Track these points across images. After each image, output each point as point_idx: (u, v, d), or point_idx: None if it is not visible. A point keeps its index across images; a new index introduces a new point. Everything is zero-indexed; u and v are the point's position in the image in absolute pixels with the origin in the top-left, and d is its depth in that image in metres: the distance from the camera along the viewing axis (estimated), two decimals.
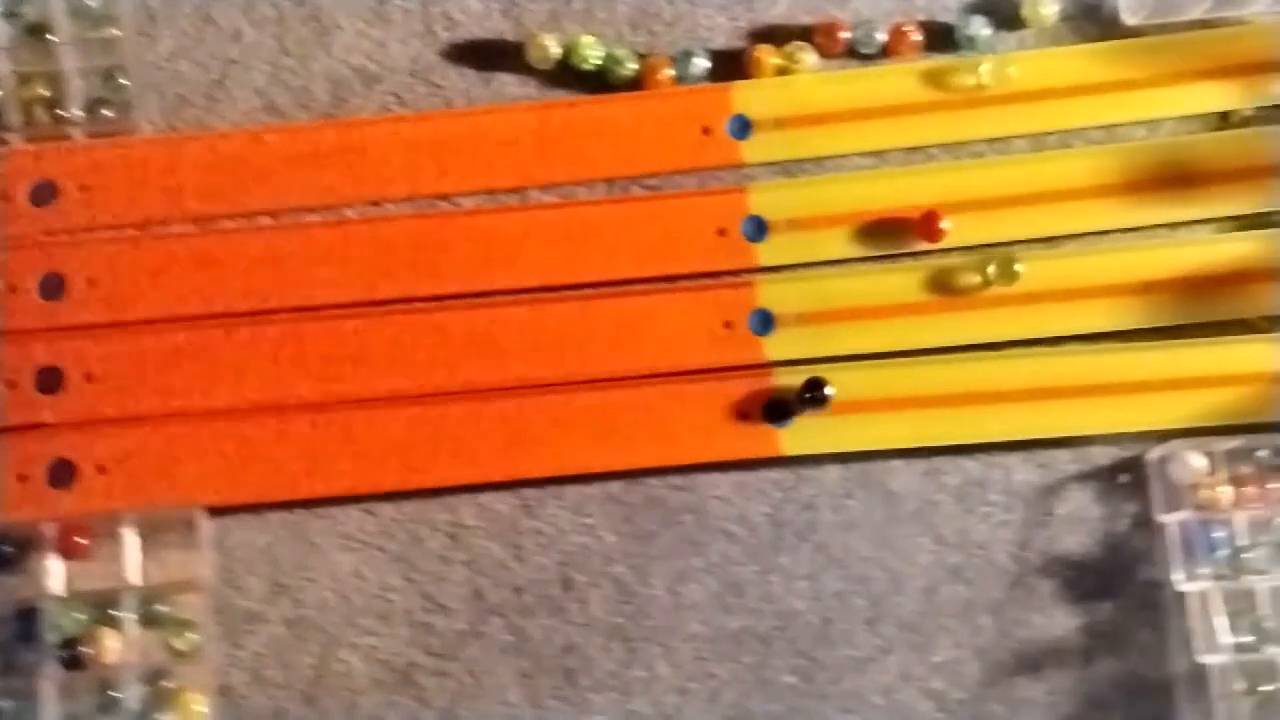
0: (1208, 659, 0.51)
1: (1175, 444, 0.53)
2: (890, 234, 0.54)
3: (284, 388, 0.52)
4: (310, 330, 0.53)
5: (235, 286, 0.53)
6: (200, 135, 0.54)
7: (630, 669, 0.52)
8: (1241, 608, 0.51)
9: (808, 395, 0.52)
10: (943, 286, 0.54)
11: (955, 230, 0.54)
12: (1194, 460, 0.53)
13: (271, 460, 0.52)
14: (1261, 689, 0.50)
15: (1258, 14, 0.56)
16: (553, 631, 0.52)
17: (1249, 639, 0.51)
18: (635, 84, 0.55)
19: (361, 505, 0.52)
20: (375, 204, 0.54)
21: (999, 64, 0.55)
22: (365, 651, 0.52)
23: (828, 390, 0.52)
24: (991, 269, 0.53)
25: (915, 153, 0.55)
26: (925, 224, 0.54)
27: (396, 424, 0.52)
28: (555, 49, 0.55)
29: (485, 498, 0.53)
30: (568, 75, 0.55)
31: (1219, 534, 0.52)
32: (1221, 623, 0.51)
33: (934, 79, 0.55)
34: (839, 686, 0.52)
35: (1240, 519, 0.52)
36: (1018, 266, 0.53)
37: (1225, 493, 0.52)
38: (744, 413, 0.53)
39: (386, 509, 0.52)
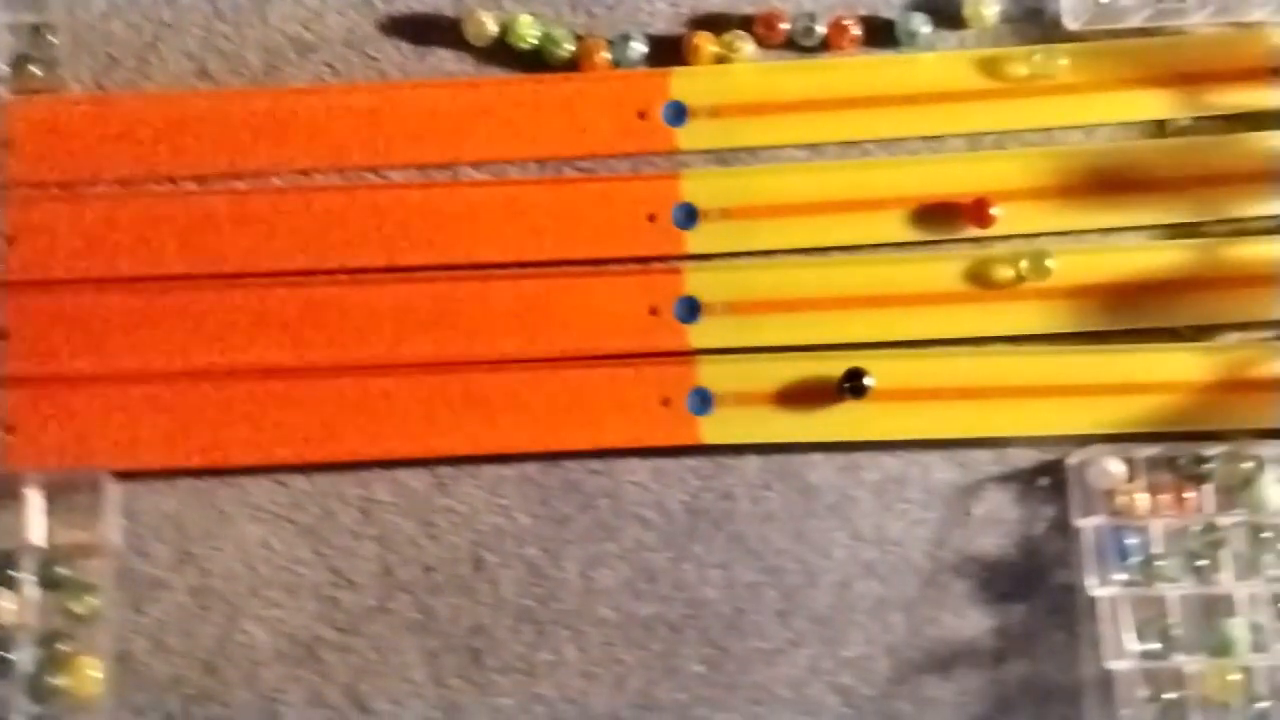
0: (1114, 665, 0.51)
1: (1095, 449, 0.53)
2: (821, 226, 0.54)
3: (200, 354, 0.52)
4: (229, 298, 0.52)
5: (156, 250, 0.52)
6: (129, 97, 0.54)
7: (537, 652, 0.52)
8: (1153, 615, 0.52)
9: (846, 385, 0.52)
10: (870, 282, 0.54)
11: (884, 227, 0.54)
12: (1113, 466, 0.52)
13: (183, 427, 0.51)
14: (1165, 696, 0.50)
15: (1197, 25, 0.56)
16: (461, 611, 0.52)
17: (1156, 646, 0.51)
18: (572, 65, 0.55)
19: (273, 476, 0.52)
20: (304, 173, 0.53)
21: (1049, 54, 0.54)
22: (270, 623, 0.51)
23: (867, 380, 0.52)
24: (1024, 264, 0.53)
25: (850, 147, 0.55)
26: (976, 210, 0.53)
27: (313, 395, 0.52)
28: (492, 26, 0.54)
29: (400, 474, 0.52)
30: (504, 53, 0.55)
31: (1132, 541, 0.52)
32: (1129, 629, 0.51)
33: (870, 74, 0.55)
34: (747, 677, 0.52)
35: (1156, 526, 0.52)
36: (1049, 262, 0.53)
37: (1142, 500, 0.52)
38: (666, 399, 0.53)
39: (298, 481, 0.52)
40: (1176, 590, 0.51)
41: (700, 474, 0.53)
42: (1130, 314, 0.54)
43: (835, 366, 0.53)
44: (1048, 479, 0.53)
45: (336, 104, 0.54)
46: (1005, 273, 0.53)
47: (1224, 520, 0.52)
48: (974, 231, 0.54)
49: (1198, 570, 0.51)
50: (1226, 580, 0.51)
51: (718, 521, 0.53)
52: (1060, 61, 0.54)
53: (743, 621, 0.52)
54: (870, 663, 0.52)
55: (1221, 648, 0.50)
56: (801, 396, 0.53)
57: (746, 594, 0.52)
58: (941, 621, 0.52)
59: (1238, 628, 0.50)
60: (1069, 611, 0.52)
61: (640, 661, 0.52)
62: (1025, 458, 0.53)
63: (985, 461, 0.53)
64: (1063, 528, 0.53)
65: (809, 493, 0.53)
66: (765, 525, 0.53)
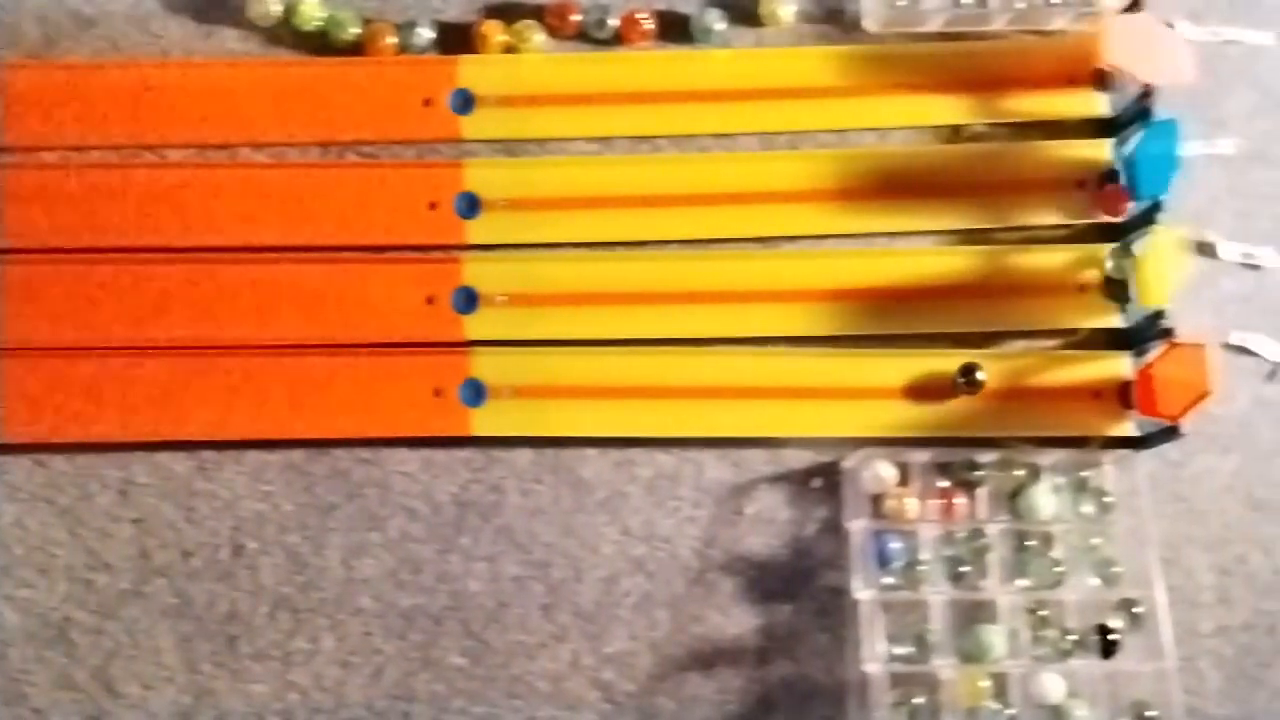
0: (869, 667, 0.51)
1: (869, 452, 0.53)
2: (608, 221, 0.54)
3: None
4: None
5: None
6: None
7: (294, 640, 0.51)
8: (916, 619, 0.52)
9: (961, 379, 0.52)
10: (654, 278, 0.53)
11: (671, 223, 0.54)
12: (884, 470, 0.52)
13: None
14: (915, 701, 0.50)
15: (995, 31, 0.56)
16: (218, 597, 0.51)
17: (911, 650, 0.51)
18: (358, 48, 0.54)
19: (32, 455, 0.51)
20: (76, 149, 0.53)
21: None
22: (20, 604, 0.51)
23: (979, 375, 0.52)
24: (1109, 265, 0.53)
25: (641, 142, 0.55)
26: (1109, 199, 0.54)
27: (72, 374, 0.51)
28: (276, 7, 0.54)
29: (161, 457, 0.52)
30: (291, 35, 0.54)
31: (896, 545, 0.52)
32: (881, 632, 0.51)
33: (662, 69, 0.55)
34: (507, 671, 0.52)
35: (923, 531, 0.52)
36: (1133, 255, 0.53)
37: (912, 504, 0.52)
38: (438, 390, 0.53)
39: (58, 461, 0.51)
40: (937, 595, 0.52)
41: (471, 466, 0.53)
42: (914, 318, 0.54)
43: (612, 362, 0.53)
44: (821, 481, 0.53)
45: (114, 80, 0.53)
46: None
47: (990, 527, 0.52)
48: (762, 232, 0.55)
49: (961, 576, 0.52)
50: (990, 586, 0.52)
51: (486, 514, 0.52)
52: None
53: (505, 615, 0.52)
54: (633, 659, 0.52)
55: (975, 653, 0.50)
56: (577, 391, 0.53)
57: (511, 587, 0.52)
58: (707, 619, 0.52)
59: (992, 633, 0.51)
60: (836, 613, 0.52)
61: (399, 652, 0.51)
62: (800, 459, 0.54)
63: (759, 461, 0.53)
64: (835, 530, 0.53)
65: (580, 487, 0.53)
66: (534, 519, 0.52)
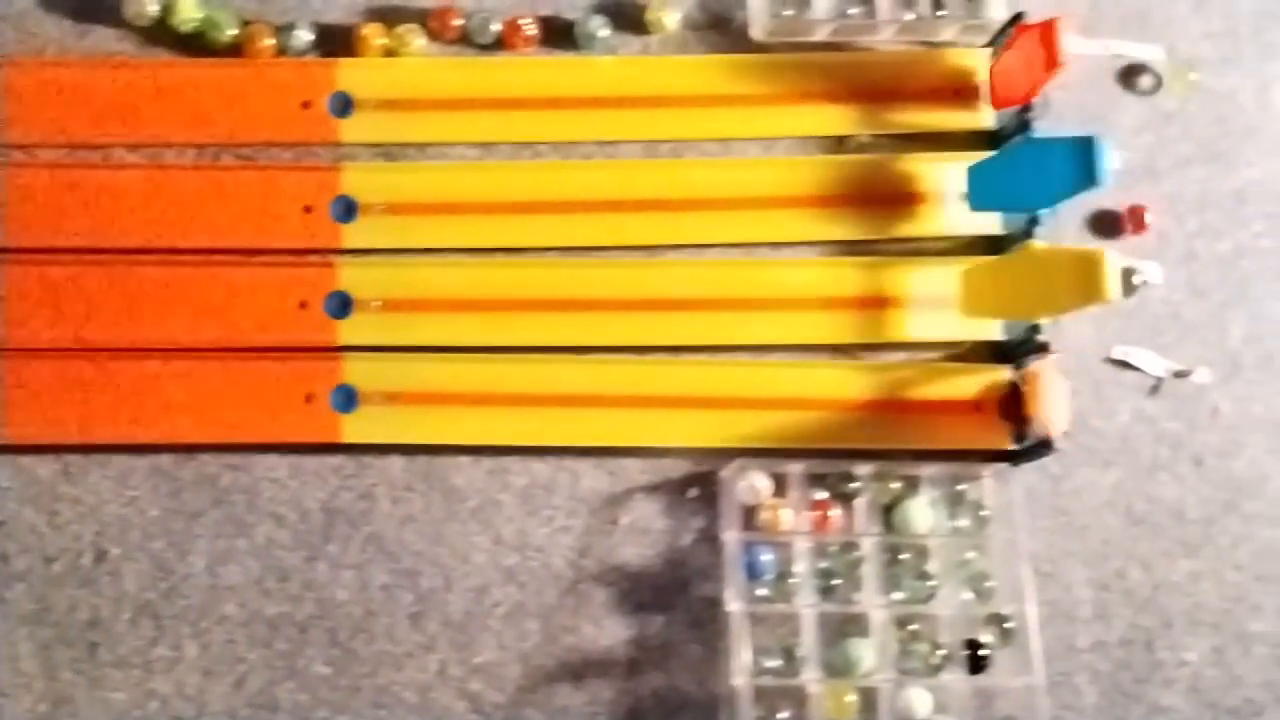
0: (736, 680, 0.50)
1: (744, 462, 0.52)
2: (488, 227, 0.53)
3: None
4: None
5: None
6: None
7: (156, 647, 0.51)
8: (788, 632, 0.51)
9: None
10: (532, 285, 0.53)
11: (553, 230, 0.54)
12: (758, 481, 0.52)
13: None
14: (780, 715, 0.50)
15: (881, 42, 0.56)
16: (79, 603, 0.51)
17: (779, 664, 0.51)
18: (236, 50, 0.54)
19: None
20: None
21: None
22: None
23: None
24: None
25: (523, 148, 0.55)
26: (1133, 216, 0.54)
27: None
28: (153, 7, 0.53)
29: (25, 460, 0.51)
30: (169, 35, 0.54)
31: (767, 557, 0.51)
32: (749, 645, 0.50)
33: (545, 75, 0.55)
34: (373, 681, 0.51)
35: (796, 543, 0.52)
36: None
37: (786, 516, 0.52)
38: (309, 395, 0.52)
39: None
40: (808, 608, 0.51)
41: (342, 473, 0.52)
42: (795, 329, 0.54)
43: (487, 369, 0.52)
44: (698, 490, 0.53)
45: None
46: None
47: (864, 540, 0.52)
48: (643, 240, 0.54)
49: (833, 589, 0.51)
50: (863, 599, 0.51)
51: (355, 521, 0.52)
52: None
53: (373, 624, 0.51)
54: (501, 669, 0.51)
55: (842, 667, 0.50)
56: (451, 398, 0.52)
57: (379, 596, 0.51)
58: (579, 630, 0.52)
59: (860, 647, 0.50)
60: (710, 625, 0.52)
61: (263, 661, 0.51)
62: (678, 468, 0.53)
63: (636, 471, 0.53)
64: (712, 540, 0.53)
65: (452, 495, 0.52)
66: (404, 527, 0.52)
